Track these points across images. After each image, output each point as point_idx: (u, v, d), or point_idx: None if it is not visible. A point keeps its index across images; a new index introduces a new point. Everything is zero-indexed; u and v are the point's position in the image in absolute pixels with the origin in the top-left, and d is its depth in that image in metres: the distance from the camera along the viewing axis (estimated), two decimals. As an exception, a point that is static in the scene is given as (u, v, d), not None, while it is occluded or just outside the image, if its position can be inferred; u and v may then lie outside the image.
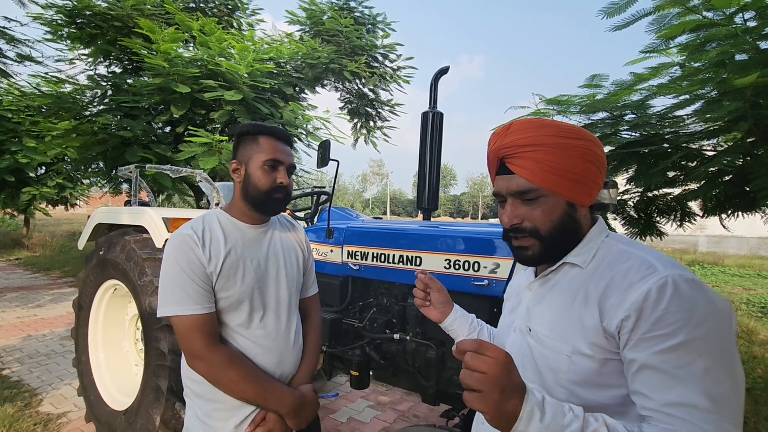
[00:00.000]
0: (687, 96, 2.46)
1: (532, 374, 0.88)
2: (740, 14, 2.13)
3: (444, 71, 2.51)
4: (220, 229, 1.27)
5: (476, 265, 1.81)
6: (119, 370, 2.72)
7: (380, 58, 9.04)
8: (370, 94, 9.58)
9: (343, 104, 9.92)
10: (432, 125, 2.47)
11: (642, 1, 2.36)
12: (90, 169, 7.81)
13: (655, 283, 0.73)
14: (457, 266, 1.86)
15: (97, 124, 6.26)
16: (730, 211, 2.62)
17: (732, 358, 0.71)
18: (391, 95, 9.76)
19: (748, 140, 2.42)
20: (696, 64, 2.40)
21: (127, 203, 3.22)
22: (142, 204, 3.08)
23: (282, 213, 1.48)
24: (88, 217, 2.95)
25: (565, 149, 0.83)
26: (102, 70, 7.55)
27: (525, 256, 0.89)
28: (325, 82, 8.75)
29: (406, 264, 2.03)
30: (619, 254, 0.82)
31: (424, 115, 2.50)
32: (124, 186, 8.20)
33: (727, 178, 2.37)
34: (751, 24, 2.14)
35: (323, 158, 2.20)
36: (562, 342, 0.82)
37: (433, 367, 1.94)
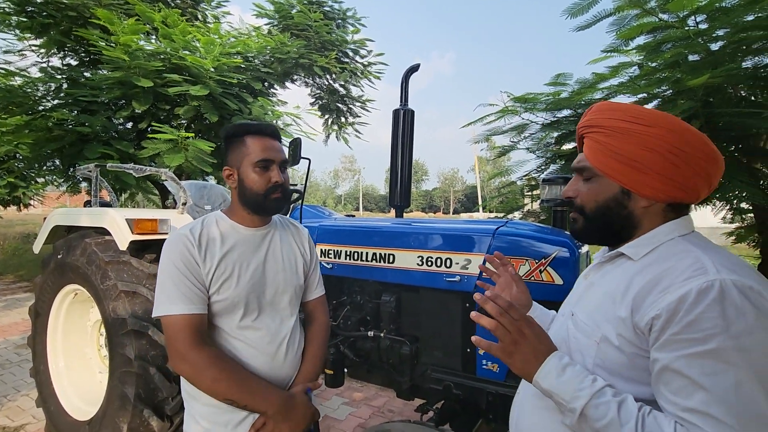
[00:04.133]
0: (645, 95, 2.58)
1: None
2: (693, 17, 2.25)
3: (414, 69, 2.53)
4: (218, 232, 1.27)
5: (448, 261, 1.84)
6: (82, 379, 2.60)
7: (351, 54, 8.98)
8: (341, 89, 9.50)
9: (313, 100, 9.80)
10: (403, 123, 2.48)
11: (604, 2, 2.45)
12: (45, 167, 7.38)
13: (698, 286, 0.69)
14: (429, 263, 1.89)
15: (51, 120, 5.90)
16: (684, 204, 2.77)
17: None
18: (362, 91, 9.73)
19: (701, 137, 2.57)
20: (653, 64, 2.51)
21: (87, 204, 3.07)
22: (104, 204, 2.94)
23: (282, 215, 1.46)
24: (44, 218, 2.80)
25: (626, 134, 0.82)
26: (56, 62, 7.14)
27: (573, 228, 0.95)
28: (295, 77, 8.61)
29: (380, 262, 2.04)
30: (679, 252, 0.79)
31: (396, 112, 2.50)
32: (83, 185, 7.81)
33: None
34: (703, 26, 2.26)
35: (294, 156, 2.17)
36: (594, 328, 0.84)
37: (407, 362, 1.96)
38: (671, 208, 0.85)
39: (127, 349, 2.04)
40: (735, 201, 2.37)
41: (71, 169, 6.64)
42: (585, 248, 1.81)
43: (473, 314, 0.83)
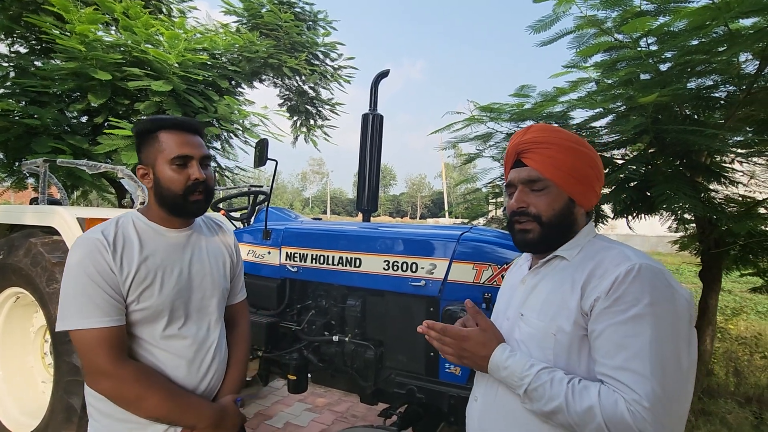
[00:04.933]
0: (601, 109, 2.72)
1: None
2: (645, 39, 2.40)
3: (384, 74, 2.55)
4: (135, 234, 1.16)
5: (414, 266, 1.86)
6: (22, 389, 2.42)
7: (321, 56, 8.92)
8: (310, 92, 9.42)
9: (282, 101, 9.66)
10: (372, 127, 2.50)
11: (565, 20, 2.57)
12: (-13, 161, 6.84)
13: (625, 269, 0.85)
14: (395, 267, 1.90)
15: (-5, 110, 5.50)
16: (635, 213, 2.94)
17: (680, 338, 0.82)
18: (332, 94, 9.67)
19: (650, 151, 2.74)
20: (609, 81, 2.66)
21: (34, 201, 2.88)
22: (53, 202, 2.77)
23: (210, 214, 1.38)
24: (-16, 216, 2.59)
25: (572, 152, 0.97)
26: (2, 48, 6.67)
27: (526, 239, 1.01)
28: (264, 77, 8.46)
29: (346, 265, 2.03)
30: (602, 249, 0.96)
31: (365, 117, 2.51)
32: (30, 181, 7.30)
33: (632, 184, 2.65)
34: (654, 48, 2.42)
35: (261, 157, 2.13)
36: (548, 322, 0.94)
37: (371, 367, 1.96)
38: (587, 214, 1.04)
39: (75, 356, 1.92)
40: (679, 212, 2.54)
41: (17, 163, 6.20)
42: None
43: (419, 328, 1.06)
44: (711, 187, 2.68)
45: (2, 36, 6.47)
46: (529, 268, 1.09)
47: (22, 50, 6.75)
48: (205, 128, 1.34)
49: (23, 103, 5.76)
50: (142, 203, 2.43)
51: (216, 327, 1.29)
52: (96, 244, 1.09)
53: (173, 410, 1.11)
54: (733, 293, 7.81)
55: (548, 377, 0.87)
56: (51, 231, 2.19)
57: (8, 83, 5.98)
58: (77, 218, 2.09)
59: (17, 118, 5.62)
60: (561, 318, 0.92)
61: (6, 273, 2.24)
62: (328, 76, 9.06)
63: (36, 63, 6.25)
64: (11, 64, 6.16)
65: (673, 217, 3.09)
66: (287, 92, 9.49)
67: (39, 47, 6.67)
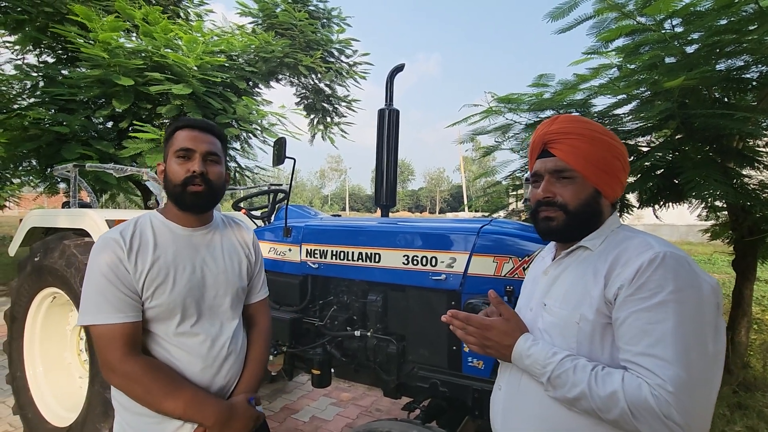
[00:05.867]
0: (624, 96, 2.64)
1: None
2: (669, 21, 2.31)
3: (399, 69, 2.54)
4: (151, 233, 1.19)
5: (434, 260, 1.85)
6: (61, 384, 2.54)
7: (336, 54, 8.95)
8: (326, 89, 9.47)
9: (299, 100, 9.74)
10: (389, 122, 2.49)
11: (584, 6, 2.50)
12: (21, 168, 7.16)
13: (649, 257, 0.85)
14: (415, 262, 1.90)
15: (27, 119, 5.73)
16: (662, 202, 2.85)
17: (705, 324, 0.81)
18: (348, 91, 9.71)
19: (677, 137, 2.65)
20: (632, 66, 2.58)
21: (66, 205, 3.00)
22: (83, 205, 2.88)
23: (230, 213, 1.39)
24: (21, 220, 2.72)
25: (599, 143, 0.97)
26: (32, 59, 6.94)
27: (549, 226, 1.01)
28: (280, 76, 8.55)
29: (366, 261, 2.04)
30: (625, 238, 0.95)
31: (381, 112, 2.51)
32: (62, 186, 7.60)
33: (659, 171, 2.57)
34: (679, 30, 2.33)
35: (279, 156, 2.15)
36: (571, 311, 0.94)
37: (394, 361, 1.97)
38: (612, 205, 1.04)
39: (109, 352, 2.00)
40: (710, 199, 2.44)
41: (48, 169, 6.47)
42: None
43: (444, 318, 1.06)
44: (744, 172, 2.57)
45: (31, 47, 6.74)
46: (552, 260, 1.08)
47: (50, 60, 7.01)
48: (223, 129, 1.36)
49: (52, 111, 5.99)
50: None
51: (230, 325, 1.29)
52: (112, 243, 1.13)
53: (179, 405, 1.11)
54: (769, 283, 7.48)
55: (571, 364, 0.87)
56: (82, 233, 2.28)
57: (38, 92, 6.23)
58: (106, 220, 2.17)
59: (47, 125, 5.86)
60: (584, 306, 0.92)
61: (43, 274, 2.35)
62: (344, 73, 9.08)
63: (63, 72, 6.48)
64: (40, 73, 6.40)
65: (703, 205, 2.98)
66: (303, 90, 9.56)
67: (65, 56, 6.92)
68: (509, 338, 0.98)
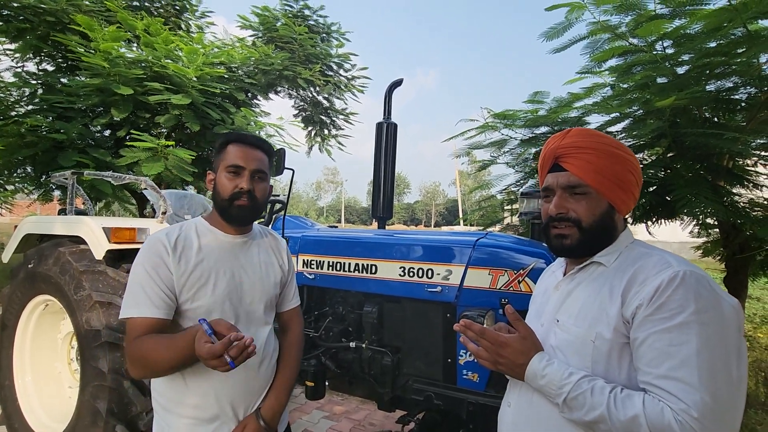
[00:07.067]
0: (617, 114, 2.70)
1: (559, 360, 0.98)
2: (660, 42, 2.38)
3: (398, 84, 2.58)
4: (195, 237, 1.26)
5: (430, 272, 1.86)
6: (49, 394, 2.50)
7: (335, 67, 9.06)
8: (324, 102, 9.55)
9: (297, 112, 9.82)
10: (386, 136, 2.53)
11: (578, 26, 2.57)
12: (16, 175, 7.12)
13: (668, 276, 0.83)
14: (411, 273, 1.91)
15: (24, 126, 5.73)
16: (654, 219, 2.89)
17: (729, 348, 0.78)
18: (346, 104, 9.80)
19: (669, 155, 2.70)
20: (624, 86, 2.64)
21: (62, 212, 2.99)
22: (79, 213, 2.87)
23: (264, 225, 1.43)
24: (15, 227, 2.70)
25: (614, 157, 0.95)
26: (31, 67, 6.96)
27: (563, 244, 0.98)
28: (279, 88, 8.63)
29: (362, 272, 2.05)
30: (641, 255, 0.93)
31: (379, 125, 2.55)
32: (56, 193, 7.56)
33: (651, 188, 2.61)
34: (670, 51, 2.40)
35: (278, 167, 2.17)
36: (587, 329, 0.91)
37: (389, 373, 1.96)
38: (624, 219, 1.01)
39: (101, 362, 1.97)
40: (701, 216, 2.48)
41: (44, 176, 6.44)
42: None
43: (456, 326, 1.00)
44: (734, 190, 2.62)
45: (31, 54, 6.77)
46: (564, 274, 1.06)
47: (49, 68, 7.04)
48: (273, 147, 1.43)
49: (50, 118, 5.99)
50: (164, 213, 2.51)
51: (263, 330, 1.35)
52: (158, 245, 1.19)
53: (173, 349, 1.08)
54: (761, 300, 7.54)
55: (588, 386, 0.84)
56: (78, 240, 2.27)
57: (36, 99, 6.24)
58: (102, 227, 2.16)
59: (44, 132, 5.85)
60: (600, 325, 0.89)
61: (36, 281, 2.33)
62: (342, 87, 9.18)
63: (62, 80, 6.51)
64: (39, 81, 6.42)
65: (694, 222, 3.02)
66: (302, 103, 9.64)
67: (65, 65, 6.95)
68: (524, 357, 0.94)
